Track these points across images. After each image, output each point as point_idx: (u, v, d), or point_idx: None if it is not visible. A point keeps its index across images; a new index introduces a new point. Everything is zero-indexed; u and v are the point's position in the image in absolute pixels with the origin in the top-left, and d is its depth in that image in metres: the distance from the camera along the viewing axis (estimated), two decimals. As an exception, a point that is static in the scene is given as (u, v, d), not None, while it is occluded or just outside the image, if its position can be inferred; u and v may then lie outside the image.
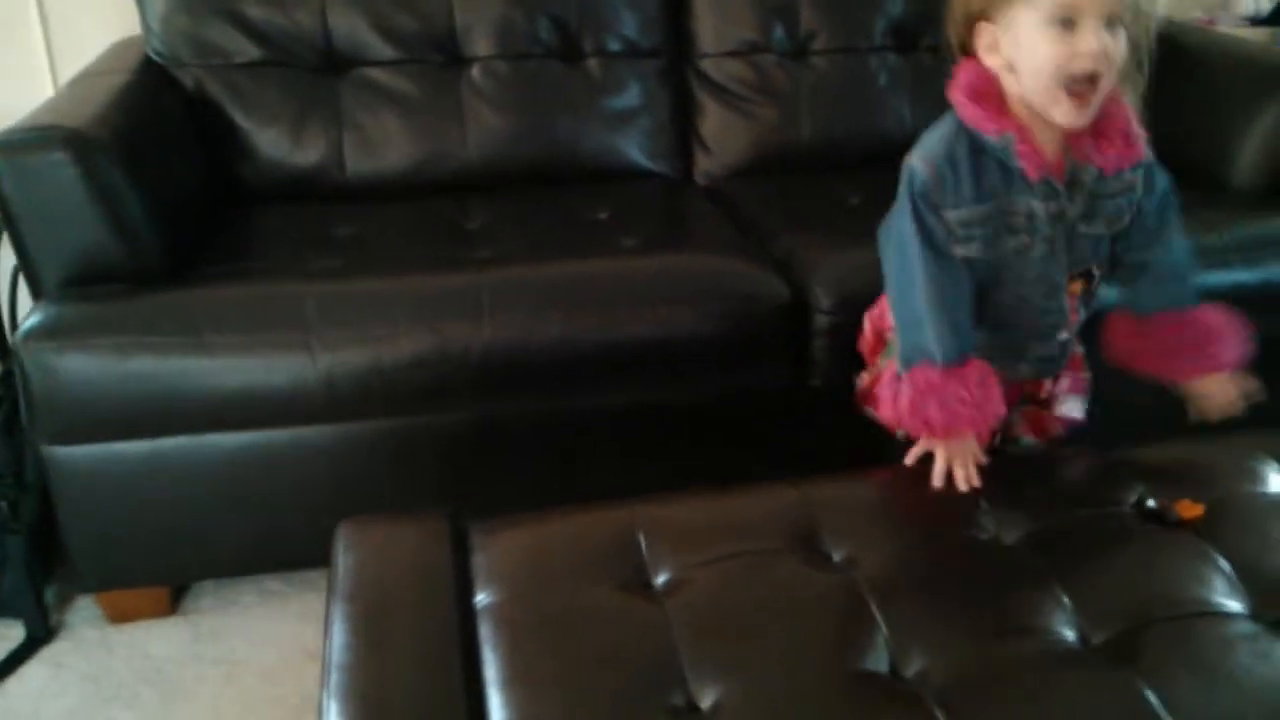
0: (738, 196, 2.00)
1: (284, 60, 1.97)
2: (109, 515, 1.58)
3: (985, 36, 1.18)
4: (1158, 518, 1.12)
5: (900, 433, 1.28)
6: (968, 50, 1.21)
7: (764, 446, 1.68)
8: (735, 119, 2.12)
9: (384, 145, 1.98)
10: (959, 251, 1.21)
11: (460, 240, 1.78)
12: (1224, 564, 1.06)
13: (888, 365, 1.31)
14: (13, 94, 1.96)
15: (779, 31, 2.13)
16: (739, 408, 1.68)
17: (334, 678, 0.97)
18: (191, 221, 1.76)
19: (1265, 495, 1.18)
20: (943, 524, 1.14)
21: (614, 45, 2.09)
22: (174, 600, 1.71)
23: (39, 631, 1.64)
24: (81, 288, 1.56)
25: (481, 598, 1.06)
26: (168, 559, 1.64)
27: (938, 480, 1.18)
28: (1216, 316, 1.28)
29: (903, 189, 1.22)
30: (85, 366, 1.49)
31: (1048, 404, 1.39)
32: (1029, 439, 1.39)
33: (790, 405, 1.69)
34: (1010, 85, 1.17)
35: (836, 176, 2.04)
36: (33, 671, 1.59)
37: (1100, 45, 1.11)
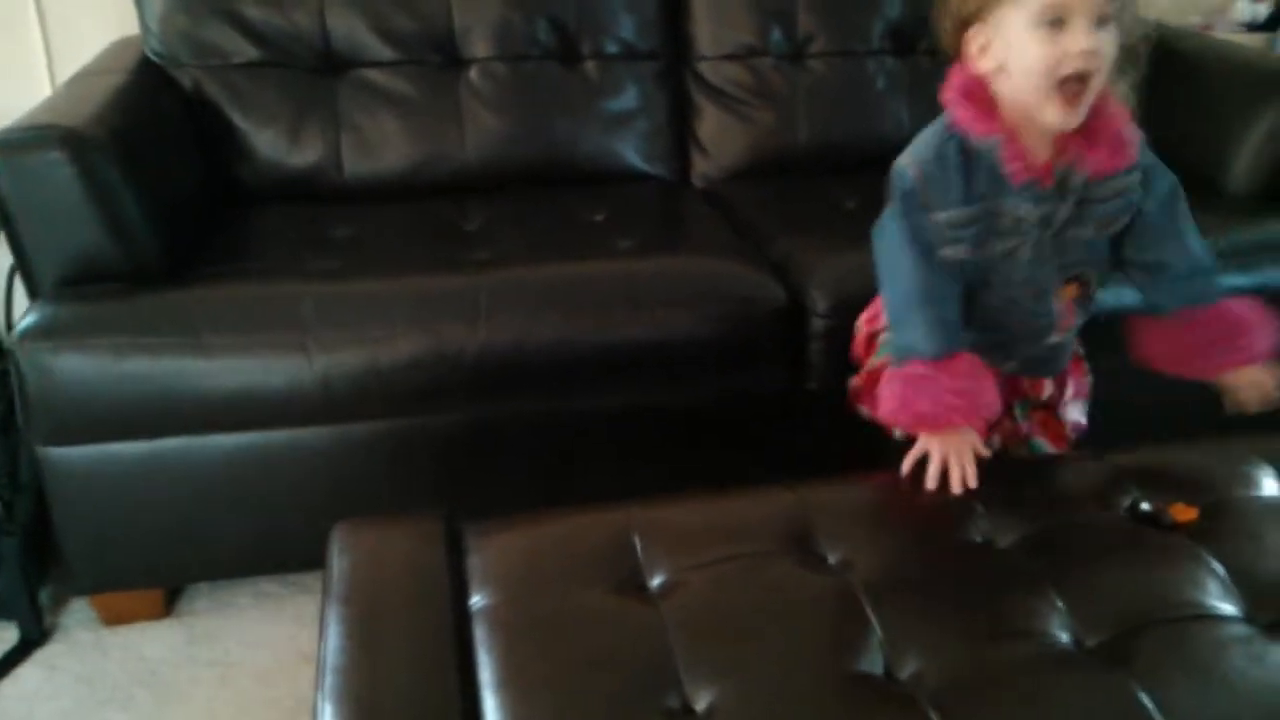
0: (735, 199, 2.00)
1: (282, 61, 1.97)
2: (104, 517, 1.58)
3: (976, 40, 1.18)
4: (1152, 521, 1.12)
5: (898, 434, 1.28)
6: (959, 54, 1.21)
7: (760, 449, 1.68)
8: (733, 122, 2.12)
9: (382, 146, 1.98)
10: (947, 253, 1.21)
11: (457, 242, 1.78)
12: (1218, 567, 1.06)
13: (885, 365, 1.30)
14: (11, 93, 1.96)
15: (776, 35, 2.13)
16: (735, 410, 1.68)
17: (328, 680, 0.97)
18: (189, 222, 1.76)
19: (1259, 499, 1.18)
20: (938, 527, 1.14)
21: (612, 48, 2.09)
22: (169, 602, 1.71)
23: (33, 634, 1.64)
24: (78, 287, 1.55)
25: (476, 599, 1.05)
26: (163, 561, 1.64)
27: (932, 480, 1.18)
28: (1243, 308, 1.26)
29: (892, 190, 1.23)
30: (81, 367, 1.49)
31: (1051, 407, 1.39)
32: (1041, 440, 1.39)
33: (787, 408, 1.69)
34: (1002, 88, 1.17)
35: (834, 180, 2.04)
36: (27, 674, 1.59)
37: (1090, 44, 1.11)
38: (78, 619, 1.68)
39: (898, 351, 1.25)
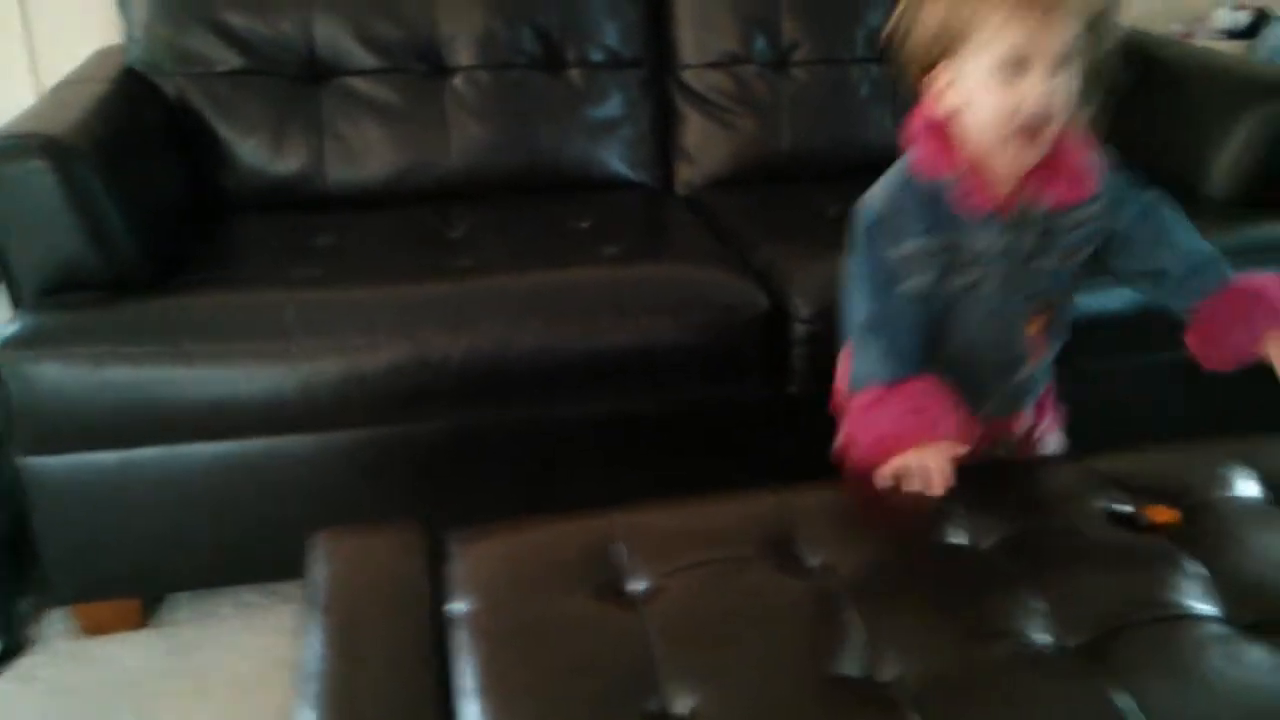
0: (718, 206, 2.01)
1: (266, 69, 1.97)
2: (84, 526, 1.58)
3: (936, 82, 1.18)
4: (1129, 522, 1.12)
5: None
6: (920, 94, 1.21)
7: (744, 455, 1.68)
8: (716, 129, 2.13)
9: (366, 154, 1.99)
10: (910, 285, 1.21)
11: (441, 249, 1.78)
12: (1198, 568, 1.06)
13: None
14: (-6, 103, 1.95)
15: (760, 42, 2.14)
16: (719, 416, 1.68)
17: (307, 688, 0.96)
18: (171, 230, 1.75)
19: (1237, 500, 1.18)
20: (918, 530, 1.13)
21: (596, 55, 2.10)
22: (149, 613, 1.70)
23: (11, 644, 1.63)
24: (59, 296, 1.55)
25: (457, 606, 1.05)
26: (144, 570, 1.63)
27: (911, 486, 1.18)
28: (1259, 279, 1.25)
29: (854, 224, 1.24)
30: (63, 376, 1.48)
31: (1029, 441, 1.39)
32: None
33: (769, 414, 1.69)
34: (962, 126, 1.18)
35: (817, 187, 2.05)
36: (3, 685, 1.58)
37: (1048, 91, 1.11)
38: (57, 629, 1.67)
39: (855, 381, 1.25)
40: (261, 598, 1.73)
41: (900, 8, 1.20)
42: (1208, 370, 1.28)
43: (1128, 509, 1.14)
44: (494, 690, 0.95)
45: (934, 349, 1.25)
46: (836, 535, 1.12)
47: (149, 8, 1.94)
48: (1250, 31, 2.63)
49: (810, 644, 0.98)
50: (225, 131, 1.94)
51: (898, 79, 1.23)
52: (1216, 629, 0.99)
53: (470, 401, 1.58)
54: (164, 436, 1.54)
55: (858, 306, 1.25)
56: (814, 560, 1.08)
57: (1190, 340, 1.28)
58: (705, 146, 2.13)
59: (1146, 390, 1.83)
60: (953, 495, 1.16)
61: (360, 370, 1.53)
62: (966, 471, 1.18)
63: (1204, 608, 1.02)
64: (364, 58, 2.00)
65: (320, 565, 1.11)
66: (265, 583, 1.72)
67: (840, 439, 1.31)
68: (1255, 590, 1.04)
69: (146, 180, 1.72)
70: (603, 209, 1.97)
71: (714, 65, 2.15)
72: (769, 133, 2.13)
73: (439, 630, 1.03)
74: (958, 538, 1.12)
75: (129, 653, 1.63)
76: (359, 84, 2.00)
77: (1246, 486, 1.20)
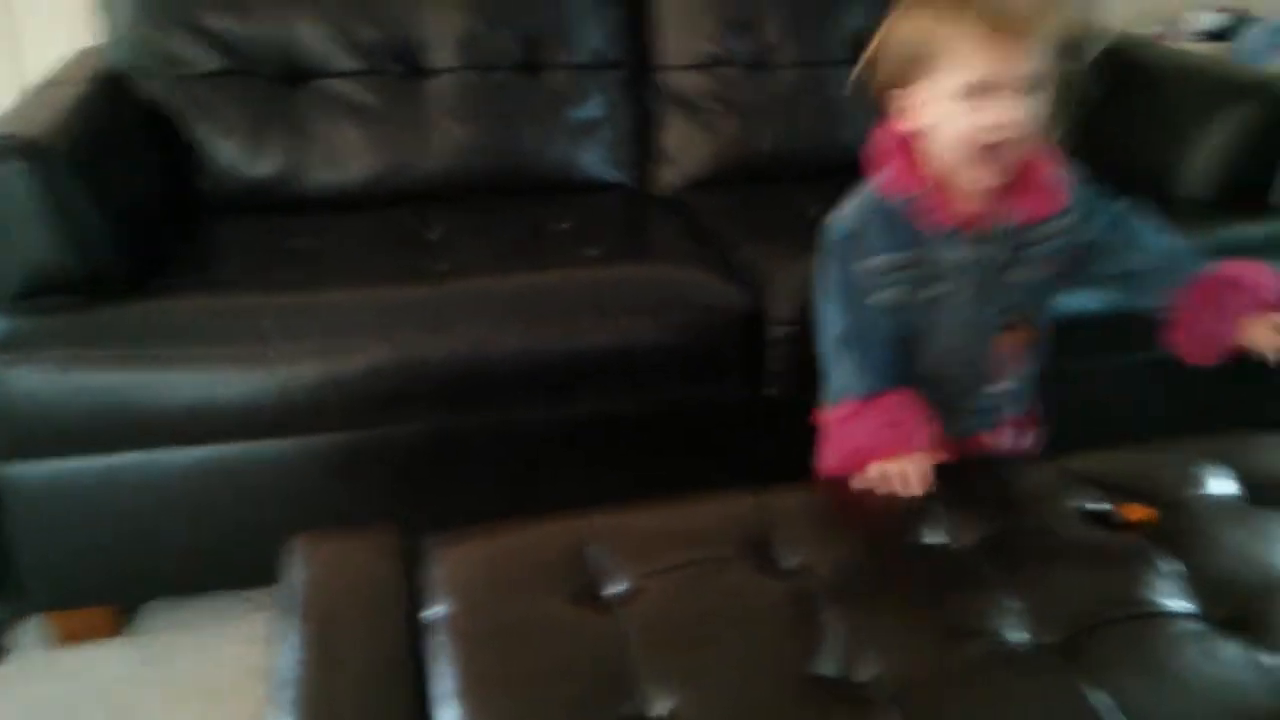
0: (699, 207, 2.01)
1: (246, 70, 1.96)
2: (60, 533, 1.56)
3: (902, 102, 1.18)
4: (1104, 521, 1.13)
5: None
6: (885, 112, 1.21)
7: (723, 456, 1.68)
8: (697, 130, 2.13)
9: (345, 156, 1.98)
10: (881, 298, 1.22)
11: (421, 251, 1.77)
12: (1173, 566, 1.06)
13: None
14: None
15: (741, 44, 2.14)
16: (698, 417, 1.68)
17: (282, 694, 0.96)
18: (150, 233, 1.74)
19: (1211, 498, 1.19)
20: (894, 530, 1.13)
21: (576, 57, 2.09)
22: (125, 621, 1.69)
23: (-14, 652, 1.62)
24: (36, 299, 1.54)
25: (434, 610, 1.04)
26: (119, 578, 1.62)
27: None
28: (1234, 266, 1.25)
29: (825, 243, 1.24)
30: (38, 381, 1.47)
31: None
32: None
33: (749, 415, 1.69)
34: (927, 145, 1.18)
35: (798, 188, 2.05)
36: (-22, 694, 1.56)
37: (1014, 115, 1.11)
38: (31, 638, 1.65)
39: (831, 396, 1.25)
40: (238, 605, 1.71)
41: (880, 30, 1.20)
42: (1190, 365, 1.28)
43: (1103, 507, 1.15)
44: (471, 694, 0.94)
45: (908, 363, 1.26)
46: (814, 536, 1.12)
47: (130, 9, 1.93)
48: (1228, 34, 2.64)
49: (788, 644, 0.98)
50: (204, 133, 1.93)
51: (864, 95, 1.23)
52: (1192, 626, 1.00)
53: (449, 404, 1.57)
54: (140, 442, 1.53)
55: (831, 321, 1.25)
56: (792, 561, 1.08)
57: (1169, 337, 1.29)
58: (686, 148, 2.13)
59: (1126, 390, 1.84)
60: (930, 495, 1.17)
61: (338, 373, 1.52)
62: (944, 471, 1.19)
63: (1179, 605, 1.02)
64: (343, 60, 1.99)
65: (295, 570, 1.10)
66: (242, 589, 1.70)
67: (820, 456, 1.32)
68: (1230, 587, 1.05)
69: (125, 183, 1.70)
70: (583, 210, 1.96)
71: (694, 67, 2.15)
72: (749, 134, 2.13)
73: (415, 634, 1.02)
74: (935, 537, 1.12)
75: (104, 661, 1.61)
76: (338, 86, 1.99)
77: (1222, 485, 1.21)
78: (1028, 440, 1.38)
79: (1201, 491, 1.19)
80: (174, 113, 1.92)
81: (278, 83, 1.97)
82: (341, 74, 1.99)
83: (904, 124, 1.19)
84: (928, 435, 1.20)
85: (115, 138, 1.76)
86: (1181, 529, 1.12)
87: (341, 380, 1.52)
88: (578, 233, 1.87)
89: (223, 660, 1.61)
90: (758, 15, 2.15)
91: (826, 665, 0.96)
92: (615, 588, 1.05)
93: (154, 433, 1.52)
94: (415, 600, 1.06)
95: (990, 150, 1.13)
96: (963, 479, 1.20)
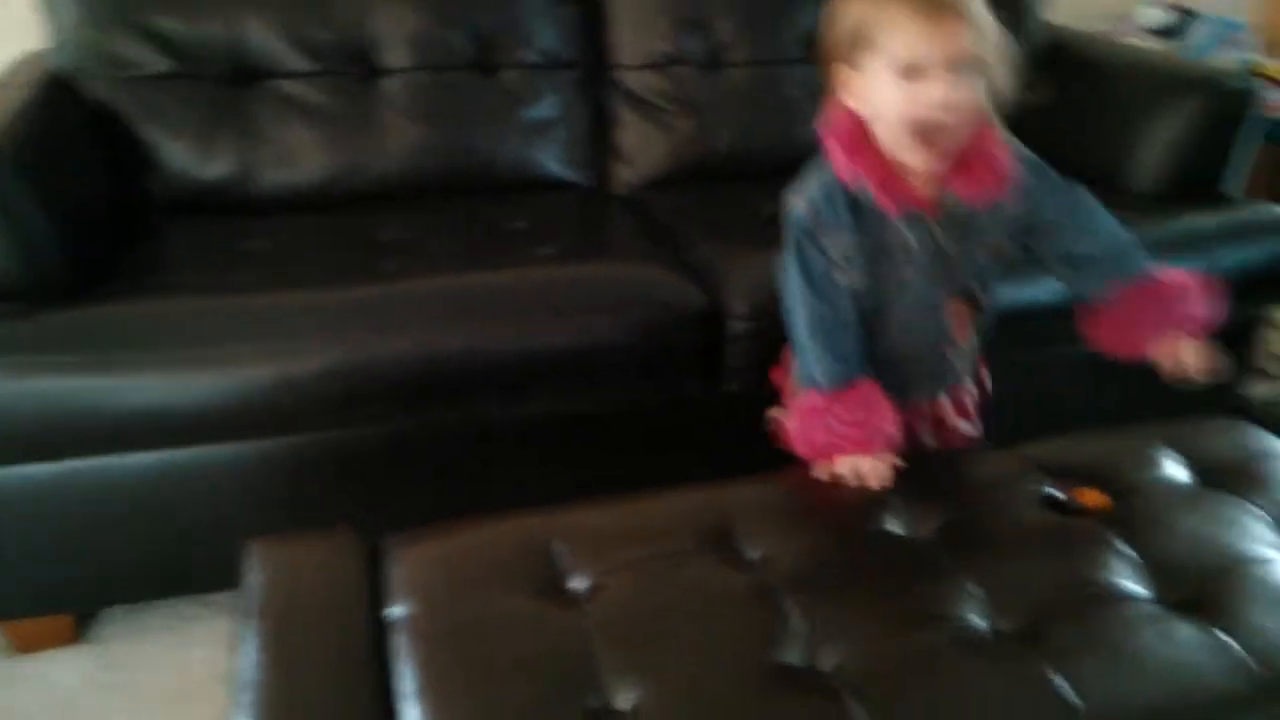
0: (655, 206, 2.01)
1: (195, 72, 1.93)
2: (13, 541, 1.53)
3: (841, 80, 1.20)
4: (1059, 507, 1.14)
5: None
6: (833, 90, 1.23)
7: (682, 453, 1.68)
8: (653, 130, 2.13)
9: (298, 158, 1.95)
10: (842, 280, 1.23)
11: (374, 252, 1.76)
12: (1128, 550, 1.08)
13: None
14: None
15: (695, 43, 2.14)
16: (656, 415, 1.68)
17: (242, 697, 0.95)
18: (98, 237, 1.71)
19: (1165, 482, 1.21)
20: (855, 520, 1.14)
21: (531, 57, 2.09)
22: (82, 628, 1.66)
23: (-62, 664, 1.58)
24: (-21, 306, 1.51)
25: (394, 611, 1.04)
26: (76, 585, 1.59)
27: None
28: (1173, 276, 1.27)
29: (785, 226, 1.26)
30: (-15, 388, 1.44)
31: (947, 427, 1.40)
32: None
33: (708, 411, 1.69)
34: (873, 126, 1.20)
35: (754, 186, 2.05)
36: (-70, 707, 1.53)
37: (945, 96, 1.13)
38: (-14, 648, 1.63)
39: (799, 382, 1.27)
40: (198, 610, 1.69)
41: (826, 12, 1.22)
42: (1094, 351, 1.31)
43: (1059, 495, 1.16)
44: (434, 692, 0.94)
45: (868, 342, 1.27)
46: (775, 528, 1.13)
47: (75, 12, 1.89)
48: (1176, 29, 2.69)
49: (751, 635, 0.98)
50: (153, 136, 1.90)
51: (822, 80, 1.25)
52: (1147, 608, 1.01)
53: (405, 405, 1.56)
54: (93, 448, 1.50)
55: (797, 307, 1.26)
56: (754, 553, 1.09)
57: (1091, 322, 1.31)
58: (642, 147, 2.13)
59: (1078, 381, 1.86)
60: (890, 486, 1.18)
61: (292, 376, 1.50)
62: (904, 462, 1.20)
63: (1135, 588, 1.04)
64: (294, 60, 1.97)
65: (254, 574, 1.09)
66: (202, 594, 1.68)
67: (781, 416, 1.32)
68: (1184, 570, 1.07)
69: (72, 186, 1.68)
70: (538, 210, 1.96)
71: (649, 66, 2.14)
72: (705, 133, 2.13)
73: (377, 635, 1.01)
74: (895, 527, 1.13)
75: (62, 670, 1.59)
76: (289, 87, 1.97)
77: (1174, 470, 1.23)
78: (972, 416, 1.40)
79: (1155, 477, 1.21)
80: (122, 115, 1.89)
81: (228, 84, 1.95)
82: (292, 74, 1.97)
83: (851, 104, 1.20)
84: (891, 431, 1.21)
85: (61, 141, 1.73)
86: (1136, 514, 1.14)
87: (295, 382, 1.50)
88: (533, 232, 1.86)
89: (183, 666, 1.59)
90: (711, 14, 2.15)
91: (789, 655, 0.96)
92: (577, 583, 1.05)
93: (107, 438, 1.50)
94: (376, 600, 1.06)
95: (927, 131, 1.14)
96: (921, 469, 1.21)
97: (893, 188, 1.19)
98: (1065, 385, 1.87)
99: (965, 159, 1.19)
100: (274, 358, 1.49)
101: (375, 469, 1.60)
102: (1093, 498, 1.14)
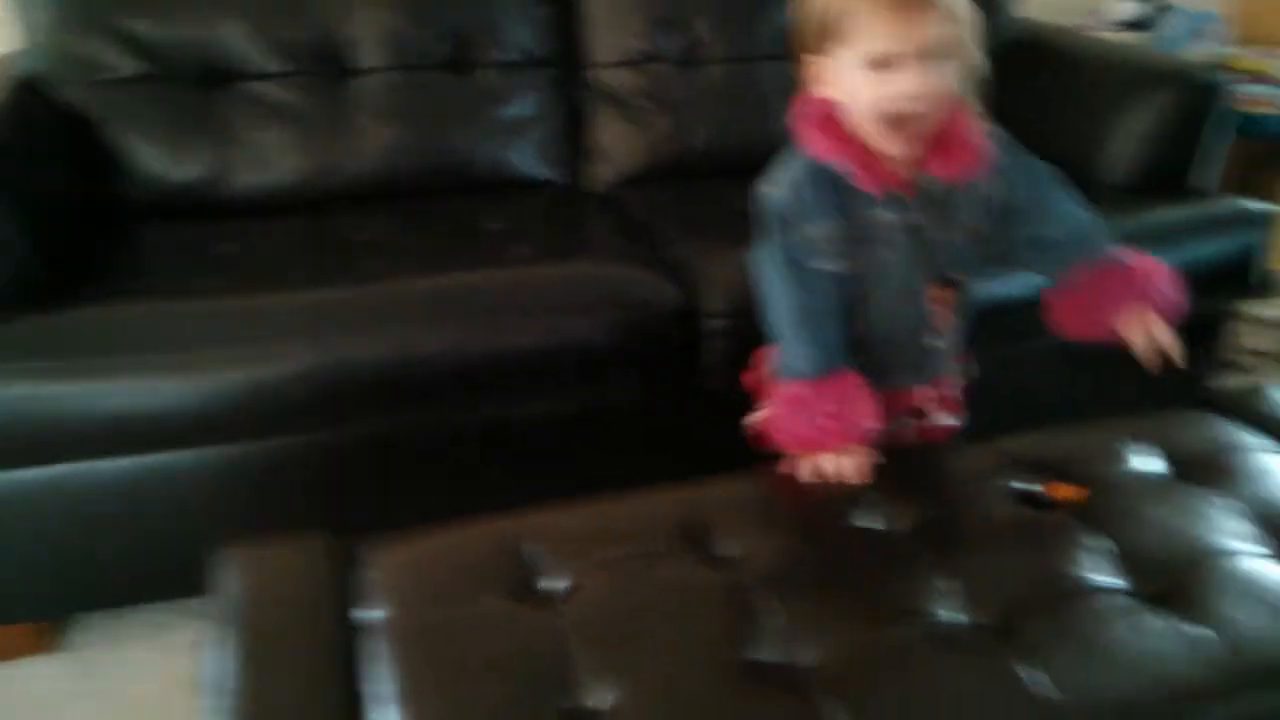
0: (632, 204, 2.00)
1: (167, 75, 1.92)
2: (-16, 549, 1.52)
3: (812, 69, 1.20)
4: (1032, 501, 1.15)
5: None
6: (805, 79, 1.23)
7: (662, 451, 1.68)
8: (628, 127, 2.13)
9: (271, 159, 1.95)
10: (822, 266, 1.22)
11: (349, 254, 1.75)
12: (1103, 543, 1.08)
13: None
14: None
15: (670, 41, 2.14)
16: (635, 413, 1.68)
17: (217, 703, 0.94)
18: (69, 242, 1.70)
19: (1138, 475, 1.21)
20: (831, 517, 1.14)
21: (506, 55, 2.08)
22: (57, 635, 1.65)
23: (-89, 674, 1.57)
24: (-50, 312, 1.50)
25: (368, 614, 1.03)
26: (49, 592, 1.58)
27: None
28: (1136, 258, 1.27)
29: (763, 214, 1.24)
30: (-46, 394, 1.43)
31: (926, 418, 1.41)
32: None
33: (686, 409, 1.69)
34: (845, 112, 1.19)
35: (729, 183, 2.03)
36: (-96, 717, 1.52)
37: (916, 87, 1.12)
38: (-40, 657, 1.61)
39: (780, 371, 1.26)
40: (173, 616, 1.68)
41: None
42: (1061, 338, 1.31)
43: (1033, 488, 1.16)
44: (408, 695, 0.94)
45: (848, 328, 1.26)
46: (751, 525, 1.13)
47: (46, 15, 1.88)
48: (1148, 23, 2.70)
49: (727, 633, 0.98)
50: (126, 139, 1.89)
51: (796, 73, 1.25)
52: (1122, 601, 1.02)
53: (380, 408, 1.55)
54: (65, 454, 1.49)
55: (777, 296, 1.25)
56: (729, 551, 1.09)
57: (1057, 306, 1.31)
58: (618, 144, 2.13)
59: (1054, 375, 1.87)
60: (868, 481, 1.18)
61: (266, 379, 1.49)
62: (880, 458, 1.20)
63: (1110, 581, 1.04)
64: (267, 61, 1.96)
65: (227, 579, 1.09)
66: (176, 600, 1.67)
67: (761, 418, 1.32)
68: (1158, 562, 1.07)
69: (43, 190, 1.67)
70: (515, 209, 1.95)
71: (625, 64, 2.14)
72: (681, 130, 2.13)
73: (349, 638, 1.01)
74: (870, 523, 1.13)
75: (37, 677, 1.58)
76: (262, 88, 1.96)
77: (1149, 463, 1.23)
78: (955, 408, 1.40)
79: (1129, 470, 1.22)
80: (94, 119, 1.88)
81: (200, 86, 1.94)
82: (265, 76, 1.96)
83: (823, 92, 1.20)
84: (870, 425, 1.21)
85: (32, 145, 1.72)
86: (1111, 507, 1.14)
87: (270, 386, 1.49)
88: (509, 232, 1.86)
89: (159, 672, 1.59)
90: (687, 12, 2.15)
91: (765, 652, 0.96)
92: (552, 584, 1.05)
93: (79, 444, 1.49)
94: (349, 604, 1.05)
95: (897, 120, 1.14)
96: (896, 464, 1.21)
97: (867, 170, 1.19)
98: (1039, 379, 1.88)
99: (940, 140, 1.19)
100: (248, 361, 1.49)
101: (350, 472, 1.59)
102: (1068, 491, 1.15)
